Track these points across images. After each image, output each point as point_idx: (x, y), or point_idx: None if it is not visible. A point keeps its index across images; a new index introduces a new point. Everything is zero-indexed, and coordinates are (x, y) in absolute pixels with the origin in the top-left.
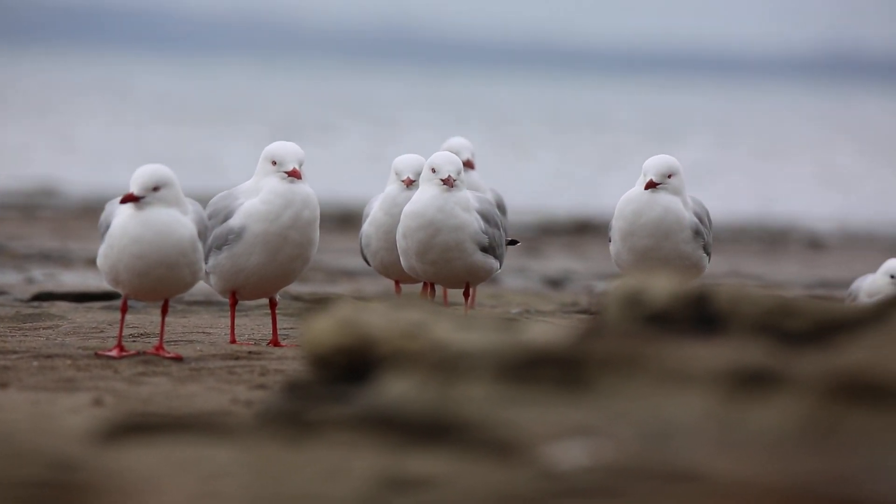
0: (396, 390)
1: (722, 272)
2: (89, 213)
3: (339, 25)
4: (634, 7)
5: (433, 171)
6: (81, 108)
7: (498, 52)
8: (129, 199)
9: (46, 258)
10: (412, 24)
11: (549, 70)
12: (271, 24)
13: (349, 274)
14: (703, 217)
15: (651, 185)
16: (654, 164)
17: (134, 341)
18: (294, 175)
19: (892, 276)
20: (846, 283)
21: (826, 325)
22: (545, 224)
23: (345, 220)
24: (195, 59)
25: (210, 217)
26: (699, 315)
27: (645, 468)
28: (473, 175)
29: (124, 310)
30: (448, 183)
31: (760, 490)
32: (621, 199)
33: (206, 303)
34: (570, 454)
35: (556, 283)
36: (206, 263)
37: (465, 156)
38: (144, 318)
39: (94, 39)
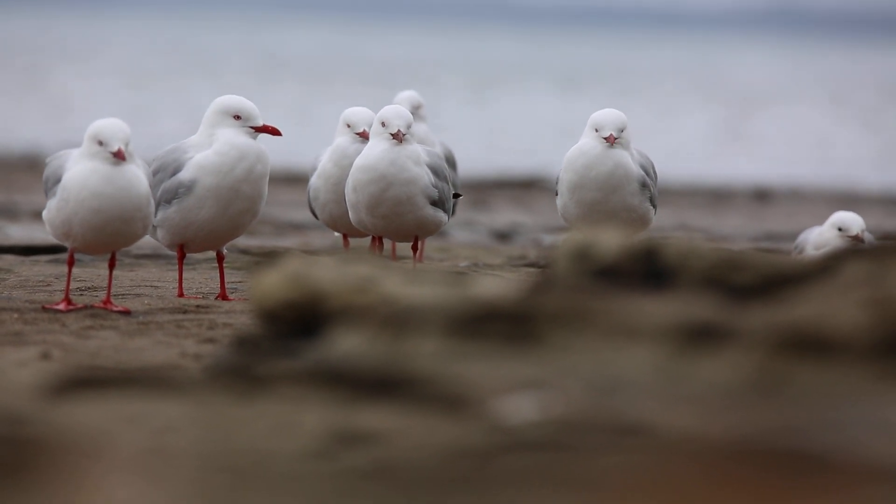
0: (346, 345)
1: (669, 226)
2: (35, 165)
3: None
4: None
5: (383, 124)
6: (51, 61)
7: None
8: (122, 156)
9: None
10: None
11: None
12: None
13: (297, 227)
14: (648, 169)
15: (613, 140)
16: (610, 118)
17: (81, 295)
18: (267, 130)
19: (840, 229)
20: (792, 236)
21: (773, 278)
22: (494, 178)
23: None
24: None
25: (158, 171)
26: (648, 269)
27: (594, 422)
28: (423, 128)
29: (71, 263)
30: (397, 137)
31: (709, 443)
32: (570, 151)
33: (154, 256)
34: (520, 408)
35: (503, 236)
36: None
37: (410, 108)
38: (92, 272)
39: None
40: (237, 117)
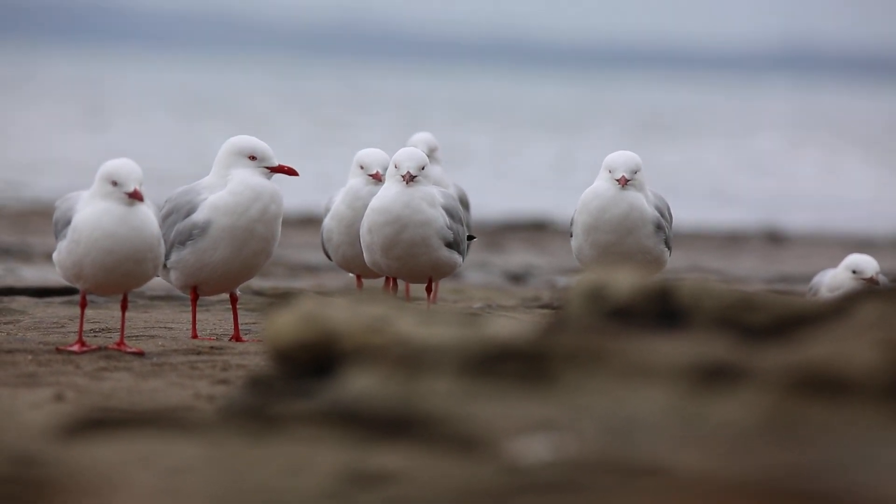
0: (360, 385)
1: (683, 267)
2: (49, 208)
3: (292, 20)
4: (586, 3)
5: (396, 167)
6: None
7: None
8: (139, 196)
9: (6, 253)
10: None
11: (506, 65)
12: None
13: (310, 269)
14: (664, 211)
15: (625, 182)
16: (622, 160)
17: (95, 336)
18: (282, 170)
19: (854, 272)
20: (806, 279)
21: (787, 319)
22: (506, 220)
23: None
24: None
25: (171, 213)
26: (662, 310)
27: (608, 462)
28: (437, 170)
29: (83, 304)
30: (405, 179)
31: (723, 484)
32: (585, 193)
33: (168, 298)
34: (534, 449)
35: (517, 277)
36: (167, 259)
37: (425, 150)
38: (105, 313)
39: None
40: (252, 157)
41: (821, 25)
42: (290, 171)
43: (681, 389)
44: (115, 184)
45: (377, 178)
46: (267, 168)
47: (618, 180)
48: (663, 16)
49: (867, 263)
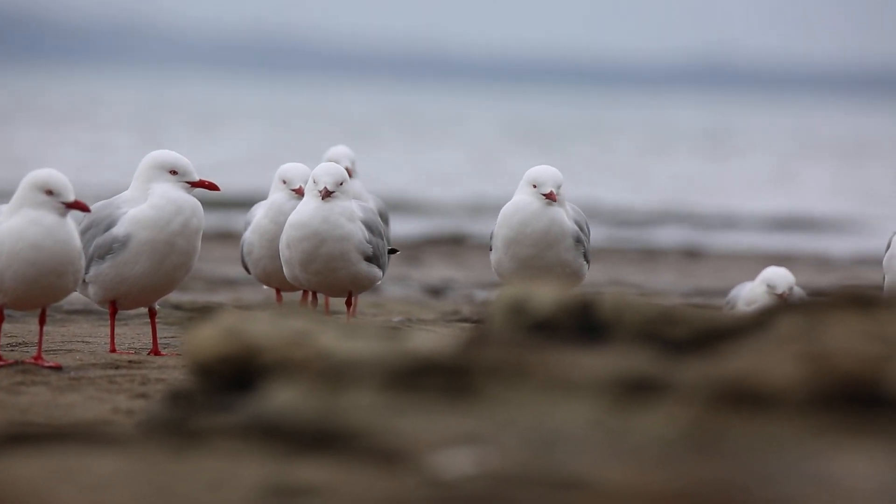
0: (282, 399)
1: (601, 281)
2: None
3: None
4: (504, 15)
5: (315, 182)
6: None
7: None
8: (83, 206)
9: None
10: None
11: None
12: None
13: (229, 283)
14: (582, 225)
15: (554, 197)
16: (549, 175)
17: (12, 350)
18: (203, 185)
19: (769, 286)
20: (722, 292)
21: (708, 332)
22: (425, 234)
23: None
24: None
25: (90, 227)
26: (583, 323)
27: (531, 476)
28: (356, 183)
29: (0, 319)
30: (321, 195)
31: (647, 497)
32: (507, 207)
33: (86, 312)
34: (456, 462)
35: (436, 291)
36: (85, 273)
37: (345, 164)
38: (22, 328)
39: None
40: (174, 172)
41: (738, 39)
42: (211, 186)
43: (603, 403)
44: (49, 193)
45: (300, 193)
46: (188, 182)
47: (546, 195)
48: (574, 29)
49: (781, 278)
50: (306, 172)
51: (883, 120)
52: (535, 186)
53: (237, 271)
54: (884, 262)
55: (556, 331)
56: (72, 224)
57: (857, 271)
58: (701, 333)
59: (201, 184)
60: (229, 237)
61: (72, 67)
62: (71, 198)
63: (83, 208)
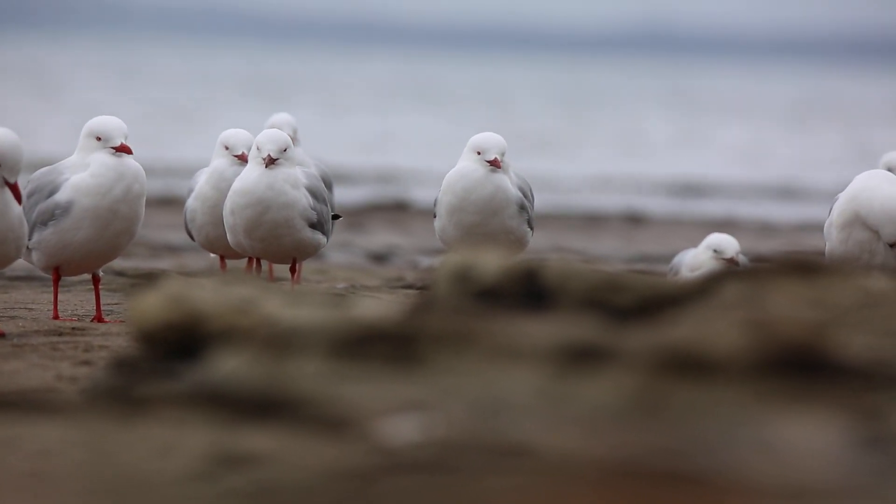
0: (227, 366)
1: (544, 247)
2: None
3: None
4: None
5: (258, 149)
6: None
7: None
8: (17, 192)
9: None
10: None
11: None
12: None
13: (172, 249)
14: (526, 192)
15: (499, 164)
16: (493, 142)
17: None
18: (123, 150)
19: (715, 251)
20: (665, 259)
21: (653, 300)
22: (368, 200)
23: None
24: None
25: (32, 193)
26: (528, 290)
27: (477, 443)
28: (298, 150)
29: None
30: (265, 162)
31: (591, 464)
32: (451, 174)
33: (28, 278)
34: (403, 429)
35: (380, 258)
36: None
37: (287, 131)
38: None
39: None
40: (98, 138)
41: (680, 6)
42: (127, 150)
43: (549, 370)
44: None
45: (242, 159)
46: (112, 148)
47: (491, 162)
48: None
49: (728, 243)
50: (249, 139)
51: (836, 83)
52: (479, 153)
53: (180, 238)
54: (824, 230)
55: (501, 298)
56: (8, 192)
57: (799, 237)
58: (645, 300)
59: (122, 148)
60: (173, 203)
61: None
62: (14, 179)
63: (17, 195)
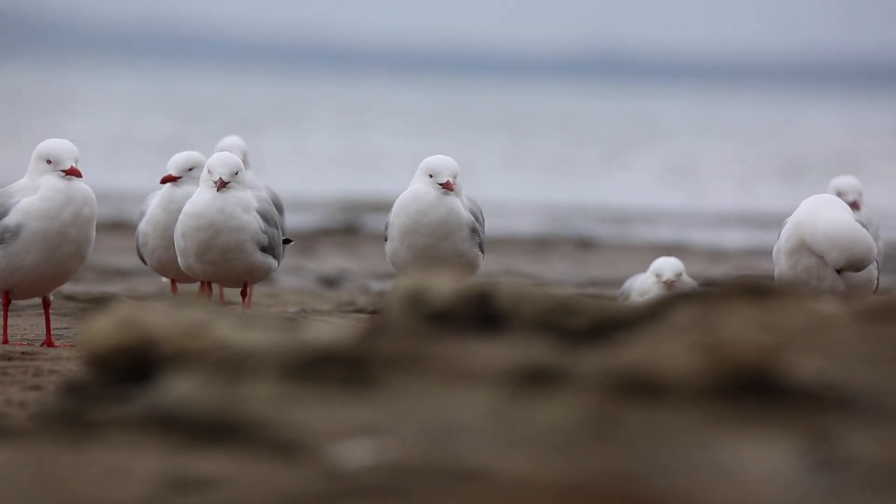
0: (179, 390)
1: (495, 271)
2: None
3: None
4: (415, 8)
5: (209, 172)
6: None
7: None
8: None
9: None
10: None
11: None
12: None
13: (122, 273)
14: (478, 215)
15: (451, 187)
16: (445, 165)
17: None
18: (73, 173)
19: (657, 274)
20: (615, 282)
21: (605, 322)
22: (319, 224)
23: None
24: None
25: None
26: (481, 313)
27: (430, 466)
28: (249, 174)
29: None
30: (217, 185)
31: (546, 487)
32: (403, 196)
33: None
34: (356, 453)
35: (331, 282)
36: None
37: (238, 154)
38: None
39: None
40: (49, 161)
41: (630, 31)
42: (77, 174)
43: (502, 393)
44: None
45: (170, 180)
46: (62, 171)
47: (443, 185)
48: (460, 17)
49: (667, 266)
50: (192, 160)
51: (777, 110)
52: (431, 176)
53: (130, 261)
54: (773, 255)
55: (454, 321)
56: None
57: (749, 262)
58: (598, 323)
59: (72, 171)
60: (122, 227)
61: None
62: None
63: None
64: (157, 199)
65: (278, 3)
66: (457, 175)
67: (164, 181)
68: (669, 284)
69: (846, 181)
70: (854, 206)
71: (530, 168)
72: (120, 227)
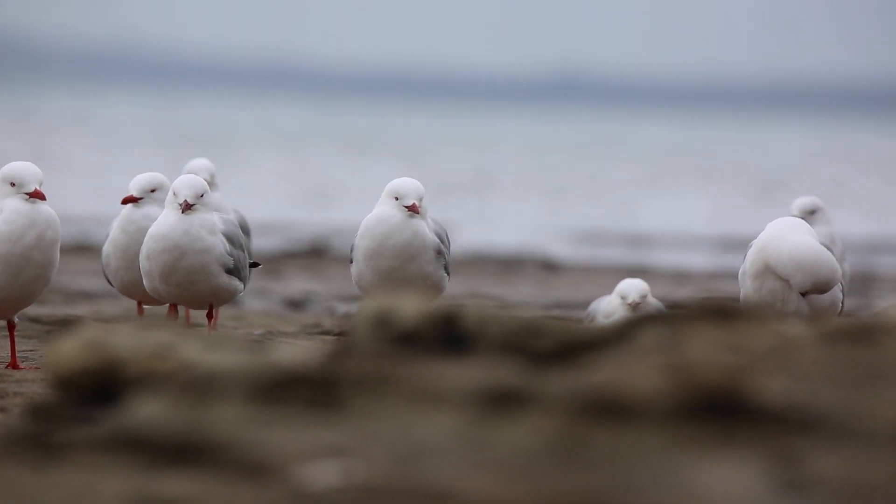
0: (146, 411)
1: (461, 293)
2: None
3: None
4: (372, 27)
5: (175, 194)
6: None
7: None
8: None
9: None
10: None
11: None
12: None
13: (87, 295)
14: (443, 237)
15: (417, 209)
16: (411, 187)
17: None
18: (36, 196)
19: (622, 297)
20: (581, 305)
21: (572, 344)
22: (285, 247)
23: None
24: None
25: None
26: (447, 335)
27: (397, 488)
28: (217, 196)
29: None
30: (182, 207)
31: None
32: (369, 218)
33: None
34: (323, 474)
35: (297, 304)
36: None
37: (205, 176)
38: None
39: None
40: (12, 184)
41: (593, 55)
42: (40, 196)
43: (469, 415)
44: None
45: (131, 200)
46: (26, 194)
47: (409, 207)
48: (420, 41)
49: (631, 288)
50: (150, 181)
51: (743, 134)
52: (397, 198)
53: (95, 284)
54: (739, 277)
55: (421, 343)
56: None
57: (714, 284)
58: (565, 345)
59: (35, 194)
60: (87, 250)
61: None
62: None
63: None
64: (117, 221)
65: (245, 26)
66: (422, 197)
67: (125, 202)
68: (635, 307)
69: (807, 201)
70: (812, 216)
71: (497, 191)
72: (85, 249)
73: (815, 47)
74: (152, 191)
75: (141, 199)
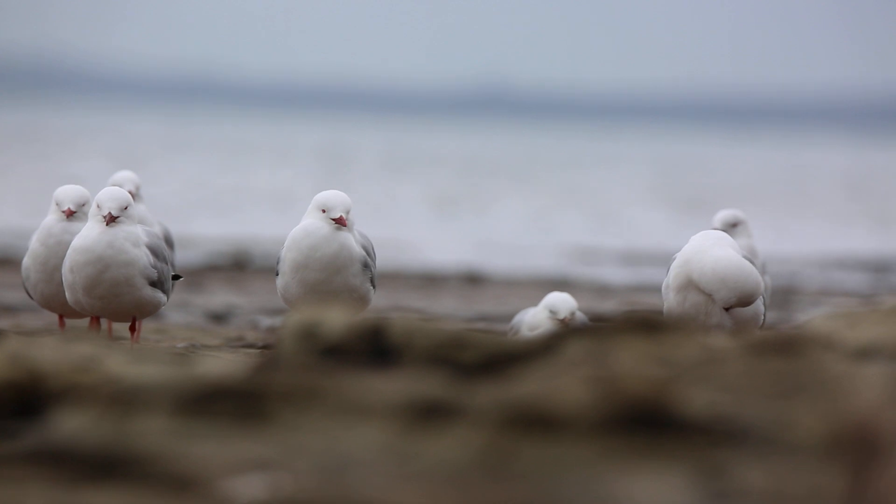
0: (69, 425)
1: (385, 306)
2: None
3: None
4: (310, 45)
5: (98, 206)
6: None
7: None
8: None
9: None
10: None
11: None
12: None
13: (8, 309)
14: (369, 250)
15: (344, 222)
16: (339, 200)
17: None
18: None
19: (551, 311)
20: (504, 317)
21: (498, 357)
22: (207, 260)
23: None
24: None
25: None
26: (374, 347)
27: (323, 501)
28: (141, 208)
29: None
30: (105, 220)
31: None
32: (295, 231)
33: None
34: (248, 488)
35: (219, 317)
36: None
37: (129, 188)
38: None
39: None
40: None
41: (516, 67)
42: None
43: (395, 427)
44: None
45: (68, 215)
46: None
47: (336, 220)
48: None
49: (563, 303)
50: (78, 194)
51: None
52: (324, 211)
53: (17, 297)
54: (662, 290)
55: (347, 355)
56: None
57: (635, 297)
58: (491, 357)
59: None
60: (7, 263)
61: None
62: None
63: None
64: (36, 234)
65: (174, 40)
66: (350, 210)
67: (68, 216)
68: (565, 322)
69: (729, 214)
70: (734, 228)
71: (423, 203)
72: (5, 263)
73: (763, 61)
74: (82, 205)
75: (75, 212)
